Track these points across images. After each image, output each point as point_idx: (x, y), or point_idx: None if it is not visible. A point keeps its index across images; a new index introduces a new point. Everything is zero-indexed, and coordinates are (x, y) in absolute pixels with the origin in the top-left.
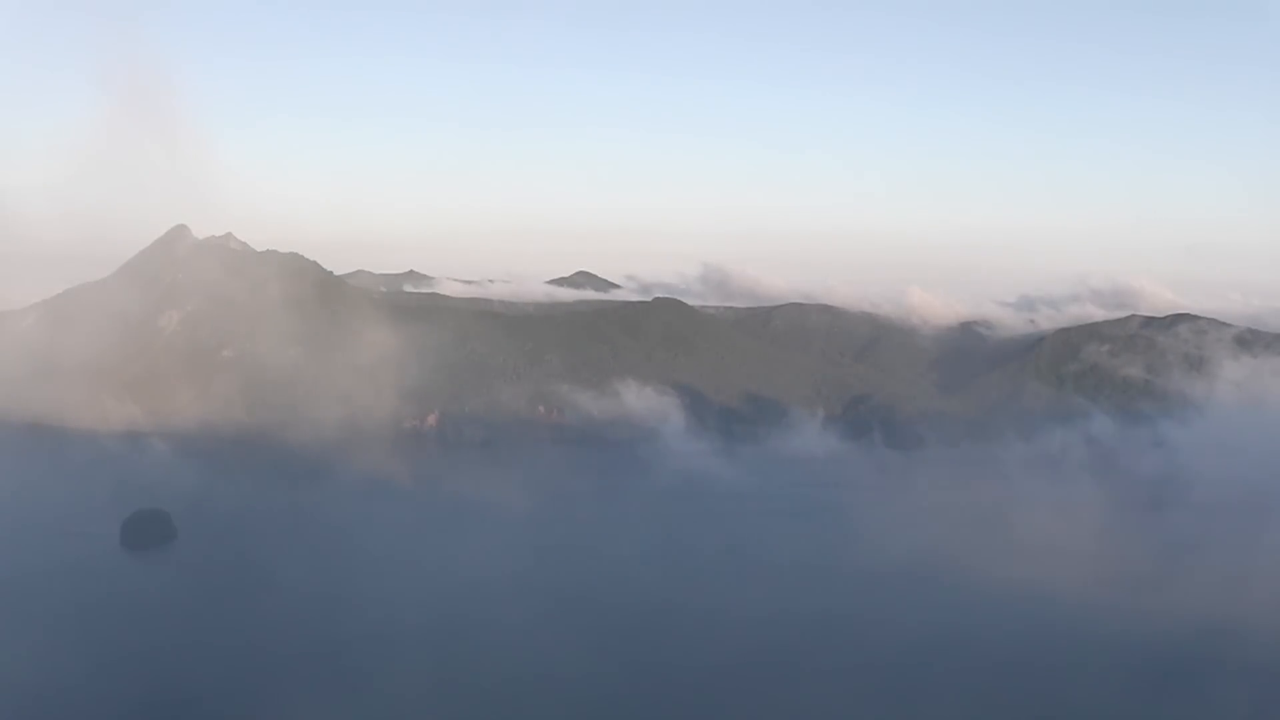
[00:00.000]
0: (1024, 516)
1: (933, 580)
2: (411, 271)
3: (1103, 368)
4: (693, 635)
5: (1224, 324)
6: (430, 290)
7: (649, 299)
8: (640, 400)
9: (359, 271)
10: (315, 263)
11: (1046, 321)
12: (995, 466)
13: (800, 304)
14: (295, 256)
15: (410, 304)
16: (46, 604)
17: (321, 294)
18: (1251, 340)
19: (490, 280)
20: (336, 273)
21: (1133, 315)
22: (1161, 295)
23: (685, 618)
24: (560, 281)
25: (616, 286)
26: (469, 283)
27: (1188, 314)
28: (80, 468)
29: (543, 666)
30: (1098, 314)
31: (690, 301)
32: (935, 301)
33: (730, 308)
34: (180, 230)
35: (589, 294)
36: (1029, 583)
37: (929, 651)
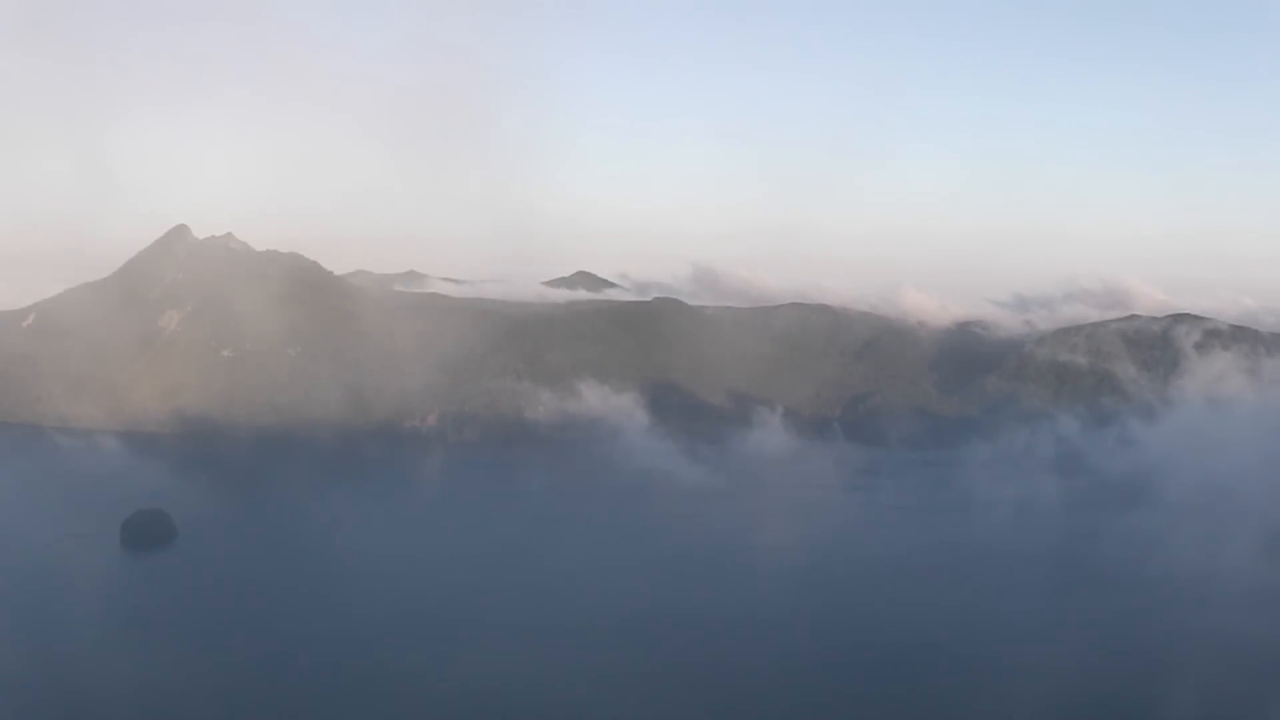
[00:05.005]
0: (1013, 515)
1: (909, 580)
2: (411, 271)
3: (1097, 368)
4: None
5: (1220, 324)
6: (430, 290)
7: (648, 299)
8: (641, 401)
9: (359, 271)
10: (315, 263)
11: (1043, 322)
12: (991, 465)
13: (800, 304)
14: (295, 256)
15: (410, 304)
16: (46, 604)
17: (321, 294)
18: (1246, 339)
19: (489, 280)
20: (336, 273)
21: (1129, 316)
22: (1154, 296)
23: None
24: (559, 282)
25: (614, 286)
26: (468, 283)
27: (1182, 314)
28: (80, 468)
29: (533, 666)
30: (1092, 314)
31: (689, 301)
32: (931, 302)
33: (730, 308)
34: (180, 230)
35: (588, 294)
36: (1012, 582)
37: (895, 652)
